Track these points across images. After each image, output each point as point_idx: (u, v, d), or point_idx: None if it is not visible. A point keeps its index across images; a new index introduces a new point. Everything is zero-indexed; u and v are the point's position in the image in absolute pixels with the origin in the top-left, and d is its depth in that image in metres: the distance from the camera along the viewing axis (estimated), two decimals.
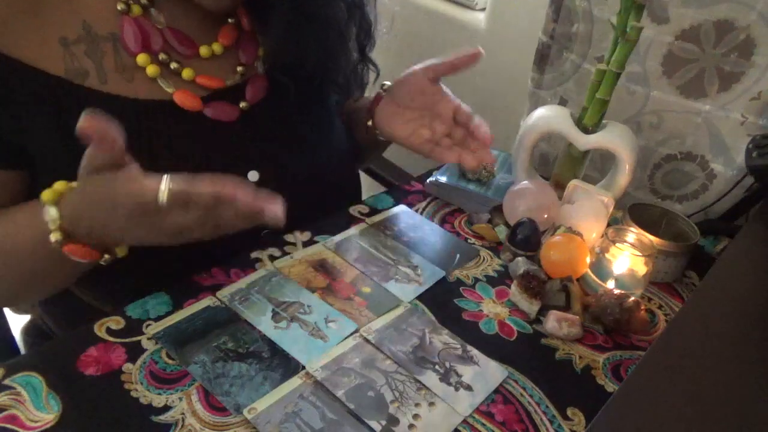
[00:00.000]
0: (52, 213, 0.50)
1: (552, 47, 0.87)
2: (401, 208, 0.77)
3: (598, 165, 0.90)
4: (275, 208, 0.48)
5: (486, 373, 0.54)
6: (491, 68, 1.14)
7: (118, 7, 0.58)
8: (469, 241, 0.74)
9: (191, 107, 0.61)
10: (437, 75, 0.71)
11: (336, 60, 0.70)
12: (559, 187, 0.76)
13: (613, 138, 0.71)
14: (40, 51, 0.55)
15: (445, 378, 0.53)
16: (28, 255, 0.55)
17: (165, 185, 0.46)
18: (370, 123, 0.76)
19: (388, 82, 0.76)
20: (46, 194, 0.51)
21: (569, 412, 0.52)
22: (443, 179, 0.80)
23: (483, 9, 1.16)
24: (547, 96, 0.92)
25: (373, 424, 0.48)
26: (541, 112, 0.76)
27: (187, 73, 0.61)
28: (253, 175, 0.65)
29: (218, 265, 0.63)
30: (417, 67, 0.72)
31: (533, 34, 0.90)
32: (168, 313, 0.56)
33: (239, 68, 0.65)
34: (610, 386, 0.55)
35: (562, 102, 0.90)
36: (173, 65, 0.61)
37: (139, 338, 0.54)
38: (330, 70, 0.71)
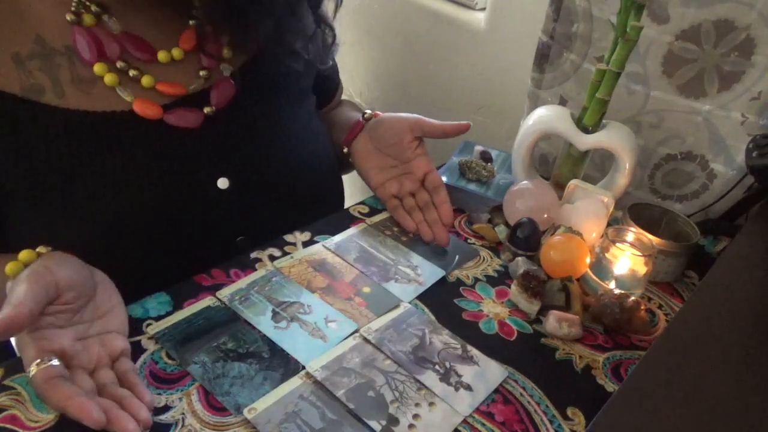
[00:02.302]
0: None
1: (552, 47, 0.87)
2: None
3: (598, 165, 0.90)
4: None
5: (486, 373, 0.55)
6: (491, 68, 1.14)
7: (68, 18, 0.56)
8: (469, 241, 0.74)
9: (151, 115, 0.59)
10: (424, 134, 0.71)
11: (282, 19, 0.62)
12: (559, 187, 0.76)
13: (613, 138, 0.71)
14: None
15: (445, 378, 0.53)
16: None
17: (33, 367, 0.44)
18: (345, 150, 0.75)
19: (369, 111, 0.75)
20: (11, 267, 0.49)
21: (569, 412, 0.52)
22: (443, 179, 0.80)
23: (483, 9, 1.16)
24: (547, 96, 0.91)
25: (373, 424, 0.48)
26: (541, 112, 0.76)
27: (146, 80, 0.59)
28: (223, 182, 0.63)
29: (218, 265, 0.63)
30: (407, 116, 0.71)
31: (533, 34, 0.89)
32: (168, 313, 0.56)
33: (202, 72, 0.62)
34: (610, 386, 0.55)
35: (562, 102, 0.90)
36: (132, 72, 0.58)
37: (139, 338, 0.54)
38: (279, 31, 0.63)
